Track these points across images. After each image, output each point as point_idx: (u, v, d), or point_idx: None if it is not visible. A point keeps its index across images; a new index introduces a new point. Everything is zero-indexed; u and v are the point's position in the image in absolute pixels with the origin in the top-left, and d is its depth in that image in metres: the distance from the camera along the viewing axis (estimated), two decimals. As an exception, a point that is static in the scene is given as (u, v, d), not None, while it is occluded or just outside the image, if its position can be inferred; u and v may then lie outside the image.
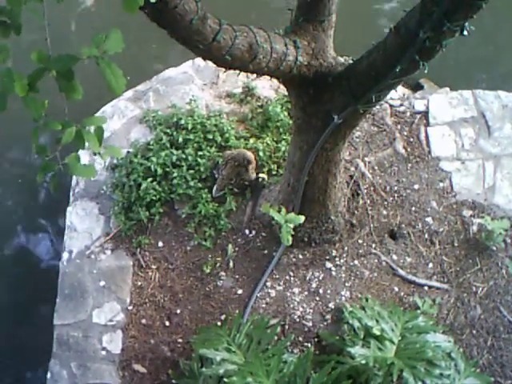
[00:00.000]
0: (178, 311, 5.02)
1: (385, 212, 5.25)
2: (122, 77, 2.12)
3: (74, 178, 5.68)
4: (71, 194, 5.63)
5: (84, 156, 5.43)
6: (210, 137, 5.55)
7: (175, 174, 5.35)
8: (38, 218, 6.36)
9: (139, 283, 5.16)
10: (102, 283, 5.18)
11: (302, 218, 4.26)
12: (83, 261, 5.28)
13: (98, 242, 5.35)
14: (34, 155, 6.53)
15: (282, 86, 4.71)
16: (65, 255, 5.32)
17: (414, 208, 5.26)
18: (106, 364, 4.89)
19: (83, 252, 5.31)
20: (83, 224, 5.44)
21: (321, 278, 5.02)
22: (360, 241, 5.14)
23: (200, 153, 5.46)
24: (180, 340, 4.91)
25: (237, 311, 4.90)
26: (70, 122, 2.27)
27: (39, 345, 5.44)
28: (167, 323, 4.99)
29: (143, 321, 5.02)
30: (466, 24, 2.77)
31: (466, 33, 2.81)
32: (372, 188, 5.35)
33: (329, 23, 3.48)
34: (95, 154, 2.47)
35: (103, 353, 4.93)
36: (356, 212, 5.21)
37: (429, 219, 5.22)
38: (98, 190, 5.58)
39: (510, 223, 5.08)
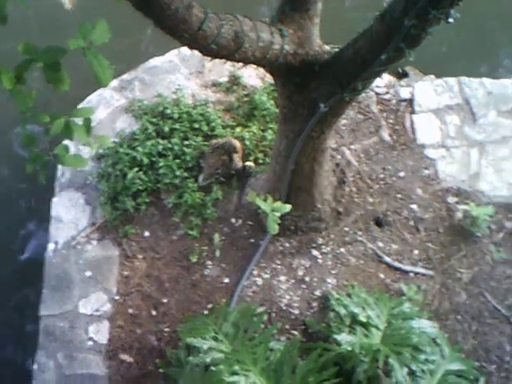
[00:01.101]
0: (165, 301, 5.02)
1: (371, 199, 5.28)
2: (109, 68, 2.12)
3: (60, 168, 5.64)
4: (56, 184, 5.60)
5: (70, 146, 5.42)
6: (196, 126, 5.54)
7: (161, 164, 5.34)
8: (23, 208, 6.32)
9: (125, 273, 5.15)
10: (89, 273, 5.17)
11: (288, 207, 4.28)
12: (69, 251, 5.26)
13: (83, 233, 5.34)
14: (17, 146, 6.48)
15: (268, 75, 4.70)
16: (50, 246, 5.30)
17: (399, 195, 5.29)
18: (93, 354, 4.89)
19: (69, 242, 5.30)
20: (69, 214, 5.42)
21: (307, 266, 5.04)
22: (346, 228, 5.16)
23: (186, 142, 5.45)
24: (167, 329, 4.91)
25: (223, 300, 4.91)
26: (59, 114, 2.27)
27: (26, 336, 5.43)
28: (154, 313, 4.99)
29: (130, 311, 5.01)
30: (452, 11, 2.78)
31: (451, 20, 2.82)
32: (358, 176, 5.37)
33: (314, 11, 3.47)
34: (84, 145, 2.47)
35: (90, 343, 4.92)
36: (342, 200, 5.23)
37: (414, 206, 5.25)
38: (84, 181, 5.55)
39: (495, 209, 5.12)
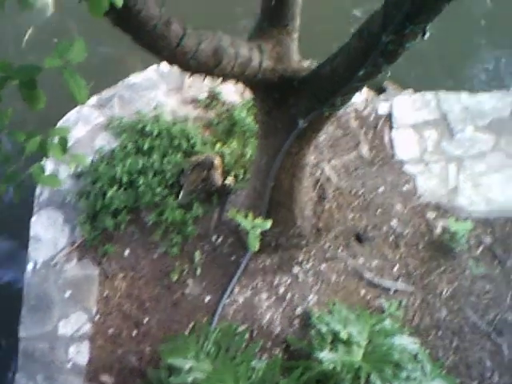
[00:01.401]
0: (146, 320, 4.97)
1: (351, 215, 5.28)
2: (85, 87, 2.11)
3: (39, 187, 5.59)
4: (35, 203, 5.55)
5: (48, 164, 5.38)
6: (176, 143, 5.52)
7: (141, 182, 5.31)
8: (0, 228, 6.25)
9: (106, 292, 5.10)
10: (68, 293, 5.11)
11: (268, 223, 4.26)
12: (48, 271, 5.21)
13: (63, 252, 5.28)
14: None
15: (247, 91, 4.72)
16: (29, 266, 5.24)
17: (379, 211, 5.30)
18: (74, 375, 4.82)
19: (48, 262, 5.24)
20: (48, 234, 5.37)
21: (288, 283, 5.02)
22: (327, 245, 5.16)
23: (166, 159, 5.43)
24: (148, 349, 4.86)
25: (205, 319, 4.88)
26: (34, 133, 2.25)
27: (5, 358, 5.35)
28: (135, 332, 4.94)
29: (110, 331, 4.96)
30: (427, 27, 2.80)
31: (427, 35, 2.84)
32: (338, 191, 5.37)
33: (292, 27, 3.49)
34: (62, 163, 2.46)
35: (70, 364, 4.86)
36: (322, 216, 5.23)
37: (394, 222, 5.26)
38: (63, 199, 5.51)
39: (473, 224, 5.14)
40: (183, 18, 2.93)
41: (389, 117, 5.80)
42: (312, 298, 4.95)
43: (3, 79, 2.10)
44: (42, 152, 2.29)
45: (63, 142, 2.36)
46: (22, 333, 5.00)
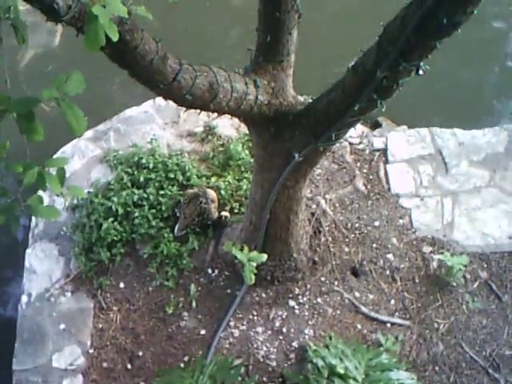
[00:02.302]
0: (140, 353, 4.94)
1: (346, 249, 5.28)
2: (83, 118, 2.12)
3: (34, 219, 5.59)
4: (30, 235, 5.54)
5: (43, 197, 5.37)
6: (172, 176, 5.54)
7: (137, 214, 5.31)
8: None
9: (100, 325, 5.07)
10: (62, 326, 5.08)
11: (264, 257, 4.25)
12: (42, 304, 5.18)
13: (57, 284, 5.26)
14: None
15: (242, 125, 4.75)
16: (23, 298, 5.21)
17: (375, 245, 5.30)
18: (67, 410, 4.78)
19: (42, 295, 5.21)
20: (43, 266, 5.35)
21: (284, 317, 5.00)
22: (322, 278, 5.15)
23: (162, 192, 5.44)
24: (142, 383, 4.81)
25: (200, 352, 4.84)
26: (32, 164, 2.26)
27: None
28: (129, 366, 4.90)
29: (104, 364, 4.92)
30: (421, 63, 2.84)
31: (421, 72, 2.87)
32: (333, 225, 5.38)
33: (288, 63, 3.52)
34: (58, 195, 2.45)
35: (63, 398, 4.81)
36: (318, 249, 5.23)
37: (390, 256, 5.26)
38: (58, 231, 5.50)
39: (469, 259, 5.14)
40: (176, 52, 2.96)
41: (384, 151, 5.83)
42: (308, 332, 4.93)
43: (2, 112, 2.11)
44: (40, 184, 2.29)
45: (61, 174, 2.36)
46: (16, 366, 4.96)
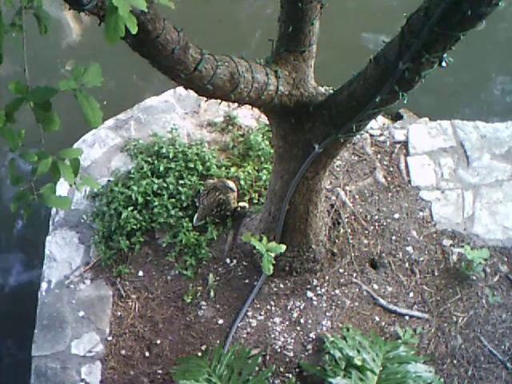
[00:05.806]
0: (158, 342, 4.97)
1: (365, 241, 5.26)
2: (98, 110, 2.12)
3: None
4: (51, 223, 5.58)
5: (63, 185, 5.41)
6: (192, 165, 5.54)
7: (156, 203, 5.33)
8: (16, 247, 6.29)
9: (119, 313, 5.10)
10: (81, 313, 5.12)
11: (283, 247, 4.25)
12: (62, 291, 5.22)
13: (77, 272, 5.30)
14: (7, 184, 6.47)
15: (263, 115, 4.74)
16: (43, 285, 5.26)
17: (394, 237, 5.28)
18: (85, 396, 4.83)
19: (62, 282, 5.26)
20: (63, 253, 5.39)
21: (302, 308, 5.00)
22: (341, 270, 5.14)
23: (181, 181, 5.45)
24: (160, 371, 4.85)
25: (218, 341, 4.86)
26: (46, 153, 2.26)
27: (17, 377, 5.35)
28: (147, 354, 4.93)
29: (123, 352, 4.95)
30: (445, 55, 2.81)
31: (444, 64, 2.84)
32: (353, 217, 5.36)
33: (309, 53, 3.51)
34: (71, 186, 2.45)
35: (82, 384, 4.86)
36: (337, 241, 5.21)
37: (409, 248, 5.23)
38: (78, 219, 5.53)
39: (490, 253, 5.10)
40: (198, 42, 2.95)
41: (405, 143, 5.79)
42: (326, 323, 4.93)
43: (19, 101, 2.12)
44: (53, 174, 2.30)
45: (75, 164, 2.36)
46: (35, 352, 5.01)
